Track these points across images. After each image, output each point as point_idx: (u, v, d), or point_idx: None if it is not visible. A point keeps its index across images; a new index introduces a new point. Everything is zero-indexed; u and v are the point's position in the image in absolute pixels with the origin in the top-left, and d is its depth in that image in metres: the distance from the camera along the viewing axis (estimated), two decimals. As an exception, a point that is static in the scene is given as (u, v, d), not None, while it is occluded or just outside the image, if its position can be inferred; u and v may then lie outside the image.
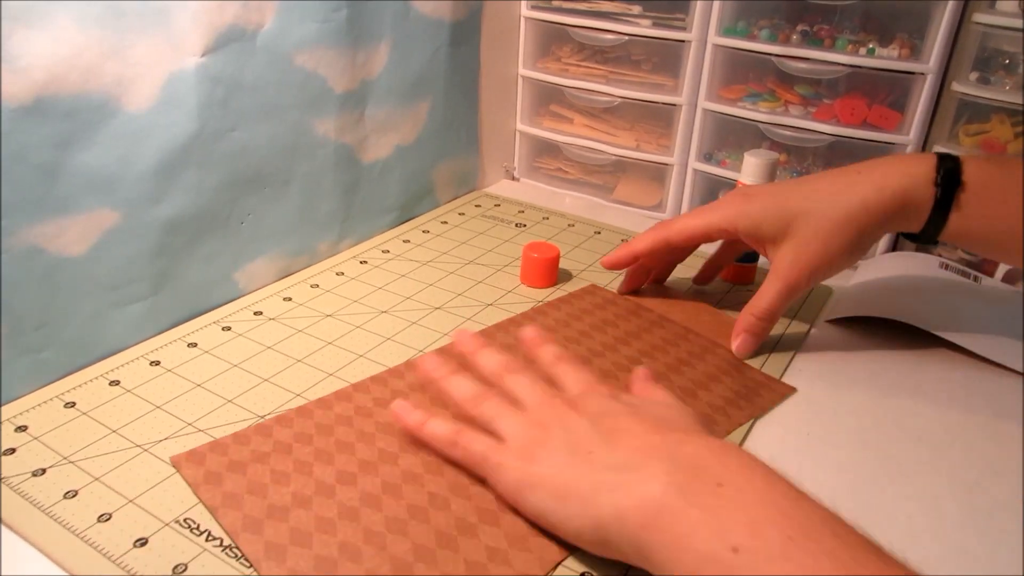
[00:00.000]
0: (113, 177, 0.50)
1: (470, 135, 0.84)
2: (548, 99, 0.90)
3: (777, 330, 0.60)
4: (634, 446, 0.37)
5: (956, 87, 0.67)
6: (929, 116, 0.69)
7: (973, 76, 0.67)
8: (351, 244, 0.72)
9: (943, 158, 0.51)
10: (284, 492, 0.41)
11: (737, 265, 0.67)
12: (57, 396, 0.49)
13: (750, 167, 0.63)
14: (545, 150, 0.92)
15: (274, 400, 0.49)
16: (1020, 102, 0.64)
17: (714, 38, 0.75)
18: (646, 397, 0.45)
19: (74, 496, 0.41)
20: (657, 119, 0.83)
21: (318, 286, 0.65)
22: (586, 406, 0.41)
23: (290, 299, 0.62)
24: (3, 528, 0.39)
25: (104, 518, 0.40)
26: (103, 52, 0.47)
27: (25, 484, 0.42)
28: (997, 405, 0.52)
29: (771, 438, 0.48)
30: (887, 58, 0.69)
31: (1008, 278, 0.68)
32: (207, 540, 0.38)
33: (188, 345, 0.55)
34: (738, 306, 0.59)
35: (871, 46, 0.69)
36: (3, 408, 0.48)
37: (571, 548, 0.38)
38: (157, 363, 0.53)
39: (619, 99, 0.83)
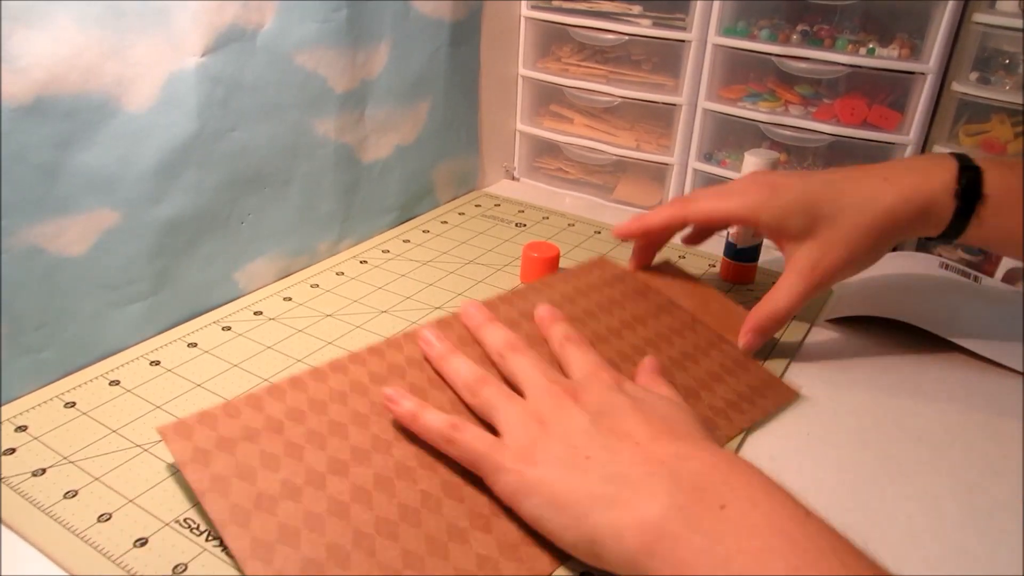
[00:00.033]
0: (113, 177, 0.50)
1: (470, 135, 0.84)
2: (548, 99, 0.90)
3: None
4: (635, 457, 0.36)
5: (956, 87, 0.67)
6: (929, 116, 0.69)
7: (973, 76, 0.67)
8: (351, 244, 0.72)
9: (964, 167, 0.50)
10: (273, 479, 0.39)
11: (737, 265, 0.67)
12: (57, 396, 0.49)
13: (750, 167, 0.63)
14: (545, 150, 0.92)
15: (274, 400, 0.49)
16: (1020, 102, 0.64)
17: (714, 38, 0.75)
18: (651, 390, 0.44)
19: (74, 496, 0.41)
20: (657, 119, 0.83)
21: (318, 286, 0.65)
22: (588, 398, 0.40)
23: (290, 299, 0.62)
24: (3, 528, 0.39)
25: (104, 518, 0.40)
26: (103, 52, 0.47)
27: (25, 484, 0.42)
28: (997, 405, 0.52)
29: (771, 438, 0.48)
30: (887, 58, 0.69)
31: (1008, 278, 0.68)
32: (207, 540, 0.38)
33: (188, 345, 0.55)
34: (740, 304, 0.59)
35: (871, 46, 0.69)
36: (3, 408, 0.48)
37: (563, 558, 0.38)
38: (157, 363, 0.53)
39: (619, 99, 0.83)
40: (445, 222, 0.78)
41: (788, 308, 0.53)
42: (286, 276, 0.66)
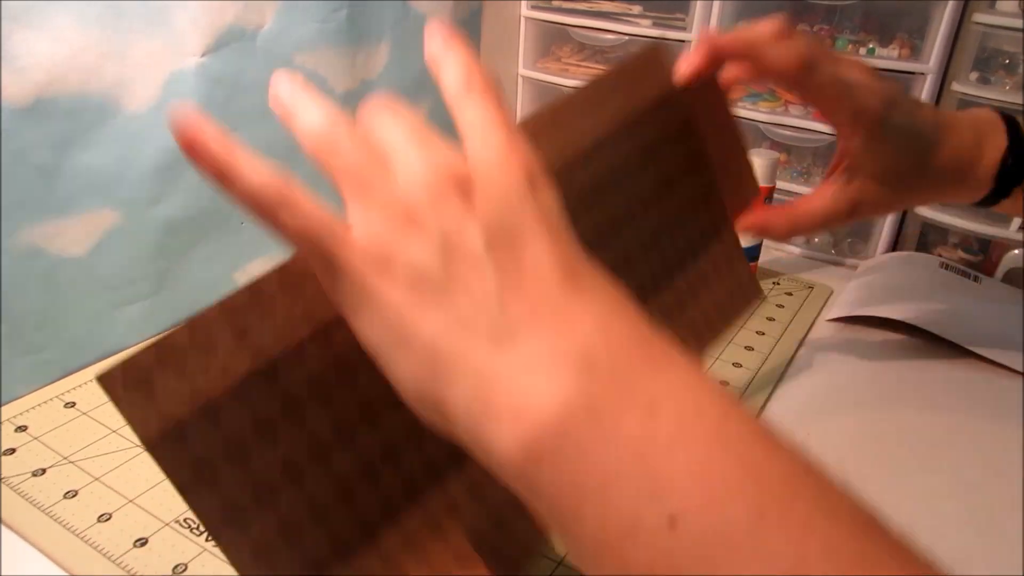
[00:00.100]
0: (113, 177, 0.50)
1: (470, 135, 0.84)
2: (548, 99, 0.89)
3: (777, 330, 0.60)
4: (538, 309, 0.24)
5: (956, 87, 0.67)
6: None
7: (973, 76, 0.67)
8: (351, 244, 0.72)
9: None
10: (273, 462, 0.29)
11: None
12: (57, 396, 0.49)
13: (750, 167, 0.63)
14: (545, 150, 0.92)
15: (274, 400, 0.49)
16: (1020, 102, 0.64)
17: (714, 38, 0.75)
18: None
19: (74, 496, 0.41)
20: (657, 119, 0.83)
21: (318, 286, 0.64)
22: (488, 199, 0.25)
23: (290, 299, 0.62)
24: (3, 528, 0.39)
25: (104, 518, 0.40)
26: (103, 52, 0.47)
27: (25, 484, 0.42)
28: (997, 405, 0.52)
29: (771, 438, 0.48)
30: (887, 58, 0.69)
31: (1008, 278, 0.68)
32: (207, 540, 0.38)
33: (188, 345, 0.55)
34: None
35: (871, 46, 0.69)
36: (3, 408, 0.48)
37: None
38: (157, 363, 0.53)
39: (619, 99, 0.83)
40: (445, 222, 0.78)
41: (825, 220, 0.48)
42: (286, 276, 0.66)
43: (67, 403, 0.48)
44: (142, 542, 0.38)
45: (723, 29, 0.75)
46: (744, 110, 0.76)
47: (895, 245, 0.75)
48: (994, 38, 0.65)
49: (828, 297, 0.67)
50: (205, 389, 0.28)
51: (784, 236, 0.50)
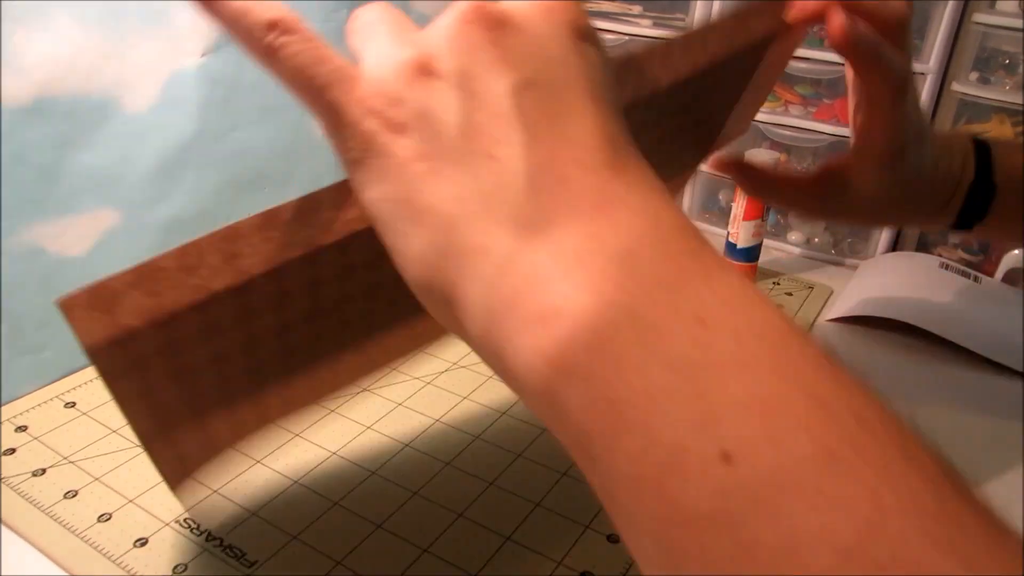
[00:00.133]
0: (113, 177, 0.50)
1: (470, 135, 0.84)
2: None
3: (777, 330, 0.60)
4: (575, 191, 0.19)
5: (956, 87, 0.67)
6: (929, 116, 0.69)
7: (973, 76, 0.67)
8: (351, 244, 0.72)
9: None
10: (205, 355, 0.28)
11: (737, 264, 0.67)
12: (57, 396, 0.49)
13: (750, 167, 0.63)
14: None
15: (274, 400, 0.49)
16: (1020, 102, 0.64)
17: (714, 38, 0.75)
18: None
19: (74, 496, 0.41)
20: (657, 119, 0.83)
21: (318, 286, 0.64)
22: (523, 45, 0.21)
23: (290, 299, 0.62)
24: (3, 528, 0.39)
25: (104, 518, 0.40)
26: (103, 53, 0.47)
27: (25, 484, 0.42)
28: (997, 405, 0.52)
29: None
30: (887, 58, 0.69)
31: (1008, 278, 0.68)
32: (207, 540, 0.38)
33: (188, 345, 0.55)
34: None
35: (871, 46, 0.69)
36: (3, 408, 0.48)
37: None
38: (157, 363, 0.53)
39: (619, 99, 0.83)
40: (445, 222, 0.78)
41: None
42: (286, 276, 0.66)
43: (67, 403, 0.48)
44: (142, 542, 0.38)
45: (723, 29, 0.75)
46: (744, 110, 0.76)
47: (895, 245, 0.75)
48: (994, 38, 0.65)
49: (828, 297, 0.67)
50: (169, 304, 0.26)
51: (747, 185, 0.45)
